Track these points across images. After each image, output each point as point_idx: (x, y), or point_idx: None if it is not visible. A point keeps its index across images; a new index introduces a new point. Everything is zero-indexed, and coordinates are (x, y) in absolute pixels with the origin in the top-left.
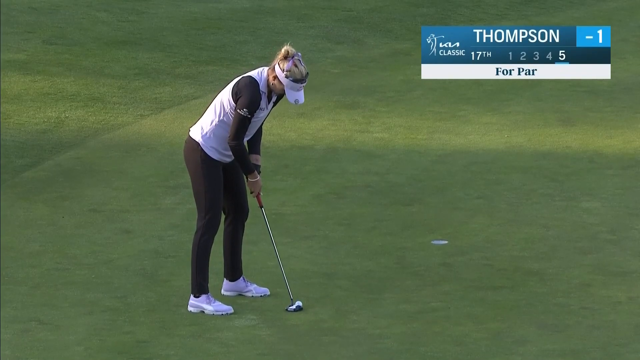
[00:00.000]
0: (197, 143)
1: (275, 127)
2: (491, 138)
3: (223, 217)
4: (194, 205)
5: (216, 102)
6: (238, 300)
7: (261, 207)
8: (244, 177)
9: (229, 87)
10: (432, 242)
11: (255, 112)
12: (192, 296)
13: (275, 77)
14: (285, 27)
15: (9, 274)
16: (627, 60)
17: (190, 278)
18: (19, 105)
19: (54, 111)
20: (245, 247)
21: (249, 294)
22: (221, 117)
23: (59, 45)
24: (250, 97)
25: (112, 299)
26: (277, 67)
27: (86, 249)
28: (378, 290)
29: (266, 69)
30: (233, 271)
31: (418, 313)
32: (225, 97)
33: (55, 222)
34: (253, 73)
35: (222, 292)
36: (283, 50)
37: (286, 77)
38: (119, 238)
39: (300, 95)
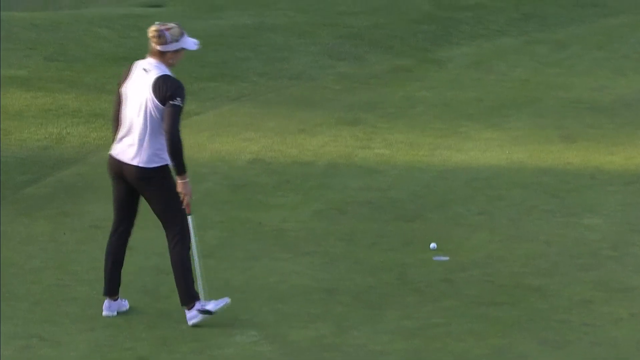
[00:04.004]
0: (158, 167)
1: (276, 144)
2: (492, 154)
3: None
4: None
5: (140, 119)
6: (240, 316)
7: (189, 214)
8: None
9: (146, 99)
10: (434, 258)
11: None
12: (186, 310)
13: (171, 54)
14: (287, 43)
15: (9, 290)
16: (629, 77)
17: (181, 295)
18: (20, 122)
19: (55, 127)
20: (246, 263)
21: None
22: (155, 127)
23: (60, 62)
24: (178, 86)
25: (114, 315)
26: (164, 48)
27: (87, 265)
28: (379, 306)
29: (153, 63)
30: (116, 287)
31: (419, 329)
32: (148, 109)
33: (56, 238)
34: (152, 74)
35: (105, 313)
36: (153, 35)
37: (178, 40)
38: None
39: (193, 39)
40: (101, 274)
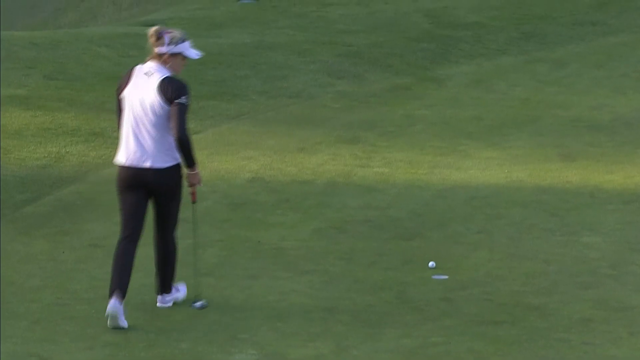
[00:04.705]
0: (172, 166)
1: (275, 162)
2: (492, 173)
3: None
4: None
5: (147, 122)
6: (239, 334)
7: (194, 202)
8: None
9: (152, 102)
10: (433, 276)
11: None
12: (163, 295)
13: (168, 57)
14: (286, 62)
15: (9, 309)
16: (628, 96)
17: (160, 280)
18: (20, 141)
19: (55, 146)
20: (245, 282)
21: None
22: (162, 128)
23: (59, 81)
24: (182, 86)
25: (112, 333)
26: (160, 50)
27: (86, 284)
28: (379, 325)
29: (154, 67)
30: (125, 285)
31: (419, 348)
32: (155, 111)
33: (55, 257)
34: (155, 77)
35: (110, 310)
36: (152, 35)
37: (176, 44)
38: None
39: (195, 50)
40: (101, 292)
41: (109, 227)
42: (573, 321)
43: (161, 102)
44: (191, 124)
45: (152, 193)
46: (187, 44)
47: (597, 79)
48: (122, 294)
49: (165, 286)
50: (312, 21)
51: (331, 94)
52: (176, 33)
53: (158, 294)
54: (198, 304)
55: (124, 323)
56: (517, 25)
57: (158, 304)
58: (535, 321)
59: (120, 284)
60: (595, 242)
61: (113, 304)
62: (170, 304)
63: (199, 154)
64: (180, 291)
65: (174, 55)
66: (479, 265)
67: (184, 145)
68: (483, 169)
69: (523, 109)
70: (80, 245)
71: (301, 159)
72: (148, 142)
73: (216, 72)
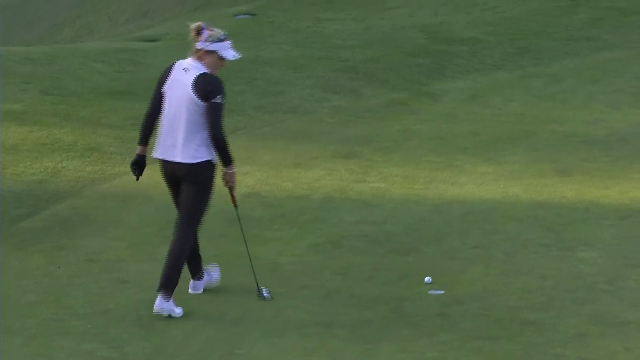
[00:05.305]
0: (202, 162)
1: (271, 177)
2: (487, 188)
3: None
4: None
5: (181, 117)
6: (235, 350)
7: (236, 207)
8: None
9: (187, 98)
10: (429, 291)
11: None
12: (164, 299)
13: (203, 53)
14: (282, 77)
15: (5, 325)
16: (623, 111)
17: (164, 278)
18: (16, 156)
19: (51, 161)
20: (241, 297)
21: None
22: (195, 124)
23: (55, 96)
24: (217, 83)
25: (109, 349)
26: (197, 45)
27: (82, 299)
28: (375, 340)
29: (192, 63)
30: (197, 267)
31: None
32: (189, 107)
33: (51, 272)
34: (192, 73)
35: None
36: (193, 30)
37: (212, 42)
38: (116, 288)
39: (235, 51)
40: (96, 307)
41: (105, 242)
42: (569, 336)
43: (195, 98)
44: None
45: (183, 183)
46: (225, 44)
47: (592, 94)
48: (199, 274)
49: (167, 284)
50: (308, 36)
51: (327, 109)
52: (216, 32)
53: (158, 290)
54: (266, 293)
55: (199, 288)
56: (513, 41)
57: (155, 309)
58: (531, 336)
59: (194, 270)
60: (591, 258)
61: (193, 286)
62: (163, 312)
63: None
64: (176, 310)
65: (209, 52)
66: (475, 281)
67: (220, 144)
68: (479, 184)
69: (518, 124)
70: (76, 261)
71: (297, 174)
72: (181, 137)
73: None
